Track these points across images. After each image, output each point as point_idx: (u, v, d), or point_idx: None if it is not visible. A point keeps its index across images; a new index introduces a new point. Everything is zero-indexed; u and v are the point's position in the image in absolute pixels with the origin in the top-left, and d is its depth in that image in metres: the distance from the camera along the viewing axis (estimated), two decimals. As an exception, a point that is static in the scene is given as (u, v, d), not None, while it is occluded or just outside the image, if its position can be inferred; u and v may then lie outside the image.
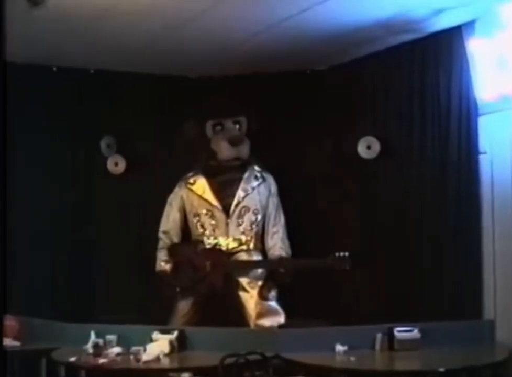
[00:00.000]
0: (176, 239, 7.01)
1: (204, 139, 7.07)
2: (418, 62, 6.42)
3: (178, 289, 6.71)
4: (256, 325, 6.58)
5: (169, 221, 7.02)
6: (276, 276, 6.70)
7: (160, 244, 6.98)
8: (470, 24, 5.94)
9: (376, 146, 6.70)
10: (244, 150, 7.01)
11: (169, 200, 7.06)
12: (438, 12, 5.78)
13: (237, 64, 6.90)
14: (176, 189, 7.06)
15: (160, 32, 6.14)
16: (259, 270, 6.80)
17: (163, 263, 6.88)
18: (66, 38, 6.26)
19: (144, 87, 7.31)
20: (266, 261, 6.89)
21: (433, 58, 6.30)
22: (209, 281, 6.63)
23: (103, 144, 7.26)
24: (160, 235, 7.00)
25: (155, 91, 7.33)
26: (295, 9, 5.64)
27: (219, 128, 7.06)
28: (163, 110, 7.31)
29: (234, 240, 6.81)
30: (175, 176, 7.15)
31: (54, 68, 7.11)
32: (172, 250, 6.91)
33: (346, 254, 6.23)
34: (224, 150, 6.96)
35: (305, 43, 6.37)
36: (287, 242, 6.92)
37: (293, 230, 7.00)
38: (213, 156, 7.03)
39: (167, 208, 7.05)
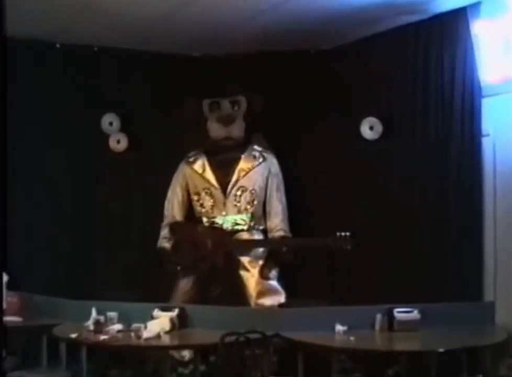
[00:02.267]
0: (179, 217, 7.04)
1: (203, 118, 7.06)
2: (422, 43, 6.39)
3: (179, 267, 6.73)
4: (257, 304, 6.60)
5: (173, 199, 7.05)
6: (277, 255, 6.71)
7: (165, 221, 7.02)
8: (475, 6, 5.91)
9: (379, 127, 6.70)
10: (236, 130, 6.97)
11: (173, 178, 7.09)
12: (443, -7, 5.78)
13: (242, 43, 6.87)
14: (180, 167, 7.09)
15: (165, 9, 6.11)
16: (260, 250, 6.82)
17: (164, 241, 6.91)
18: (69, 15, 6.25)
19: (148, 65, 7.29)
20: (267, 240, 6.91)
21: (437, 40, 6.28)
22: (210, 259, 6.65)
23: (105, 121, 7.24)
24: (165, 212, 7.04)
25: (159, 69, 7.30)
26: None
27: (213, 106, 7.04)
28: (166, 88, 7.27)
29: (231, 219, 6.83)
30: (177, 154, 7.16)
31: (58, 45, 7.08)
32: (174, 227, 6.93)
33: (348, 234, 6.22)
34: (215, 129, 6.97)
35: (310, 22, 6.33)
36: (287, 222, 6.92)
37: (296, 209, 7.00)
38: (208, 135, 7.04)
39: (171, 186, 7.08)
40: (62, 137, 7.16)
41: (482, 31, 5.84)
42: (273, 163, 7.00)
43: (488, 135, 5.98)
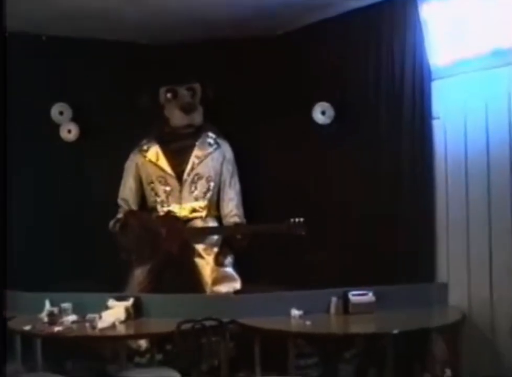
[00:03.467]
0: (134, 206, 7.02)
1: (158, 106, 7.03)
2: (373, 27, 6.40)
3: (133, 256, 6.70)
4: (213, 291, 6.62)
5: (126, 189, 7.03)
6: (232, 242, 6.72)
7: (120, 210, 6.99)
8: (424, -11, 5.95)
9: (331, 111, 6.70)
10: (197, 117, 7.00)
11: (125, 167, 7.06)
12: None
13: (194, 31, 6.83)
14: (131, 157, 7.05)
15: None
16: (215, 237, 6.82)
17: (115, 222, 6.86)
18: (17, 2, 6.13)
19: (100, 54, 7.17)
20: (221, 227, 6.91)
21: (387, 24, 6.29)
22: (164, 247, 6.64)
23: (54, 111, 7.15)
24: (120, 202, 7.02)
25: (111, 58, 7.20)
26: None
27: (171, 94, 7.01)
28: (118, 77, 7.19)
29: (187, 207, 6.81)
30: (130, 143, 7.12)
31: (6, 34, 6.95)
32: (128, 216, 6.89)
33: (302, 219, 6.23)
34: (177, 117, 6.96)
35: (260, 8, 6.35)
36: (242, 209, 6.94)
37: (250, 196, 7.02)
38: (167, 123, 7.02)
39: (124, 176, 7.06)
40: (11, 128, 7.02)
41: (431, 14, 5.91)
42: (227, 149, 7.01)
43: (438, 118, 6.03)
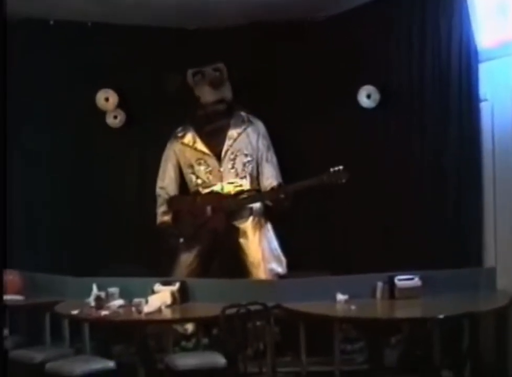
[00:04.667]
0: (173, 194, 7.11)
1: (187, 89, 7.07)
2: (418, 10, 6.38)
3: (181, 240, 6.79)
4: (259, 270, 6.70)
5: (166, 177, 7.14)
6: (274, 209, 6.77)
7: (159, 200, 7.09)
8: (470, -29, 5.87)
9: (376, 95, 6.68)
10: (226, 91, 7.05)
11: (163, 156, 7.18)
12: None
13: (235, 15, 6.86)
14: (168, 146, 7.17)
15: None
16: (259, 212, 6.90)
17: (163, 215, 7.00)
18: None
19: (142, 40, 7.23)
20: (262, 193, 6.97)
21: (433, 6, 6.26)
22: (210, 225, 6.77)
23: (99, 97, 7.21)
24: (158, 191, 7.11)
25: (153, 44, 7.25)
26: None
27: (199, 76, 7.03)
28: (161, 62, 7.23)
29: (229, 183, 6.91)
30: (173, 130, 7.20)
31: (51, 22, 7.05)
32: (171, 201, 7.01)
33: (341, 167, 6.22)
34: (207, 93, 7.00)
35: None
36: (281, 180, 6.96)
37: (287, 172, 7.05)
38: (199, 105, 7.06)
39: (162, 165, 7.17)
40: (58, 114, 7.15)
41: (477, -5, 5.81)
42: (260, 126, 7.11)
43: (486, 100, 5.95)
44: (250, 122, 7.05)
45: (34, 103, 7.05)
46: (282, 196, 6.60)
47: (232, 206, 6.82)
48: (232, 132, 6.99)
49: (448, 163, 6.18)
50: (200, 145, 7.01)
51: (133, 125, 7.39)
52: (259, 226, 6.87)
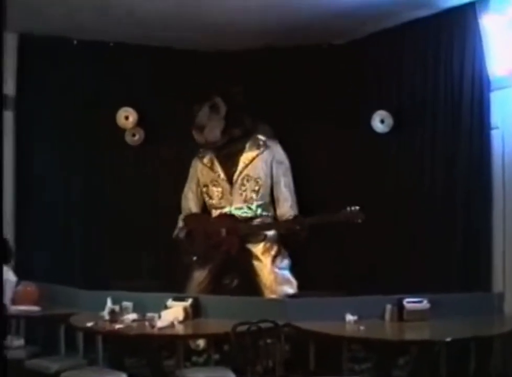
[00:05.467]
0: (195, 208, 7.27)
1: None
2: (432, 38, 6.50)
3: (194, 257, 6.90)
4: (271, 293, 6.76)
5: (188, 193, 7.31)
6: (290, 238, 6.83)
7: (182, 214, 7.25)
8: (484, 0, 6.00)
9: (389, 120, 6.79)
10: (210, 134, 7.08)
11: (190, 173, 7.35)
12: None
13: (252, 38, 6.99)
14: (193, 163, 7.35)
15: (176, 7, 6.30)
16: (273, 238, 6.95)
17: (179, 231, 7.11)
18: (85, 12, 6.41)
19: (163, 61, 7.40)
20: (278, 223, 7.05)
21: (446, 34, 6.38)
22: (224, 246, 6.86)
23: (121, 115, 7.36)
24: (182, 205, 7.28)
25: (174, 65, 7.41)
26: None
27: (214, 110, 7.14)
28: (180, 83, 7.37)
29: (237, 209, 7.00)
30: (191, 148, 7.34)
31: (75, 41, 7.22)
32: (187, 219, 7.15)
33: (357, 208, 6.31)
34: (195, 136, 7.14)
35: (322, 18, 6.46)
36: (296, 208, 7.05)
37: (305, 198, 7.13)
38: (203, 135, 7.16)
39: (188, 181, 7.35)
40: (78, 130, 7.30)
41: (490, 24, 5.94)
42: (277, 150, 7.16)
43: (497, 128, 6.05)
44: (266, 147, 7.11)
45: (53, 119, 7.23)
46: (298, 227, 6.71)
47: (246, 230, 6.92)
48: (246, 156, 7.09)
49: (458, 188, 6.27)
50: (216, 167, 7.15)
51: (151, 143, 7.53)
52: (272, 250, 6.94)
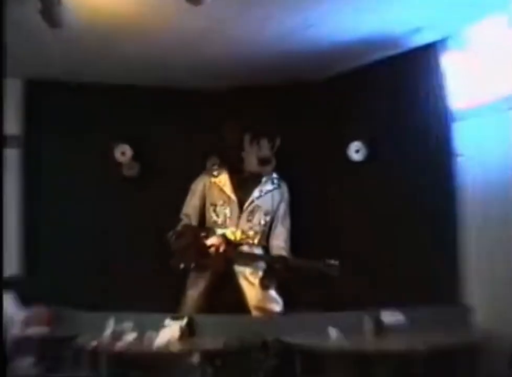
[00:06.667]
0: (194, 223, 7.51)
1: (239, 147, 7.52)
2: (398, 75, 6.91)
3: (182, 265, 7.14)
4: (257, 311, 7.10)
5: (190, 206, 7.54)
6: (274, 271, 7.12)
7: (180, 224, 7.44)
8: (443, 41, 6.50)
9: (364, 150, 7.32)
10: (269, 168, 7.50)
11: (192, 187, 7.60)
12: (415, 31, 6.40)
13: (240, 77, 7.41)
14: (200, 178, 7.61)
15: (176, 47, 6.70)
16: (260, 264, 7.29)
17: (173, 234, 7.26)
18: (84, 57, 6.83)
19: (160, 99, 7.89)
20: (267, 255, 7.38)
21: (412, 71, 6.81)
22: (210, 265, 7.16)
23: (117, 152, 7.85)
24: (182, 216, 7.52)
25: (170, 102, 7.92)
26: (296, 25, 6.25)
27: (255, 142, 7.45)
28: (177, 119, 7.93)
29: (242, 232, 7.32)
30: (188, 182, 7.68)
31: (73, 85, 7.63)
32: (185, 229, 7.36)
33: (336, 262, 6.62)
34: (252, 165, 7.44)
35: (293, 57, 6.95)
36: (288, 244, 7.42)
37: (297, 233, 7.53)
38: (241, 162, 7.51)
39: (189, 194, 7.58)
40: (77, 167, 7.77)
41: (450, 62, 6.45)
42: (285, 190, 7.55)
43: (461, 155, 6.51)
44: (278, 186, 7.50)
45: (57, 155, 7.73)
46: (278, 266, 7.01)
47: (237, 256, 7.24)
48: (261, 189, 7.44)
49: (426, 208, 6.68)
50: (228, 190, 7.42)
51: (147, 175, 7.99)
52: (258, 273, 7.24)
